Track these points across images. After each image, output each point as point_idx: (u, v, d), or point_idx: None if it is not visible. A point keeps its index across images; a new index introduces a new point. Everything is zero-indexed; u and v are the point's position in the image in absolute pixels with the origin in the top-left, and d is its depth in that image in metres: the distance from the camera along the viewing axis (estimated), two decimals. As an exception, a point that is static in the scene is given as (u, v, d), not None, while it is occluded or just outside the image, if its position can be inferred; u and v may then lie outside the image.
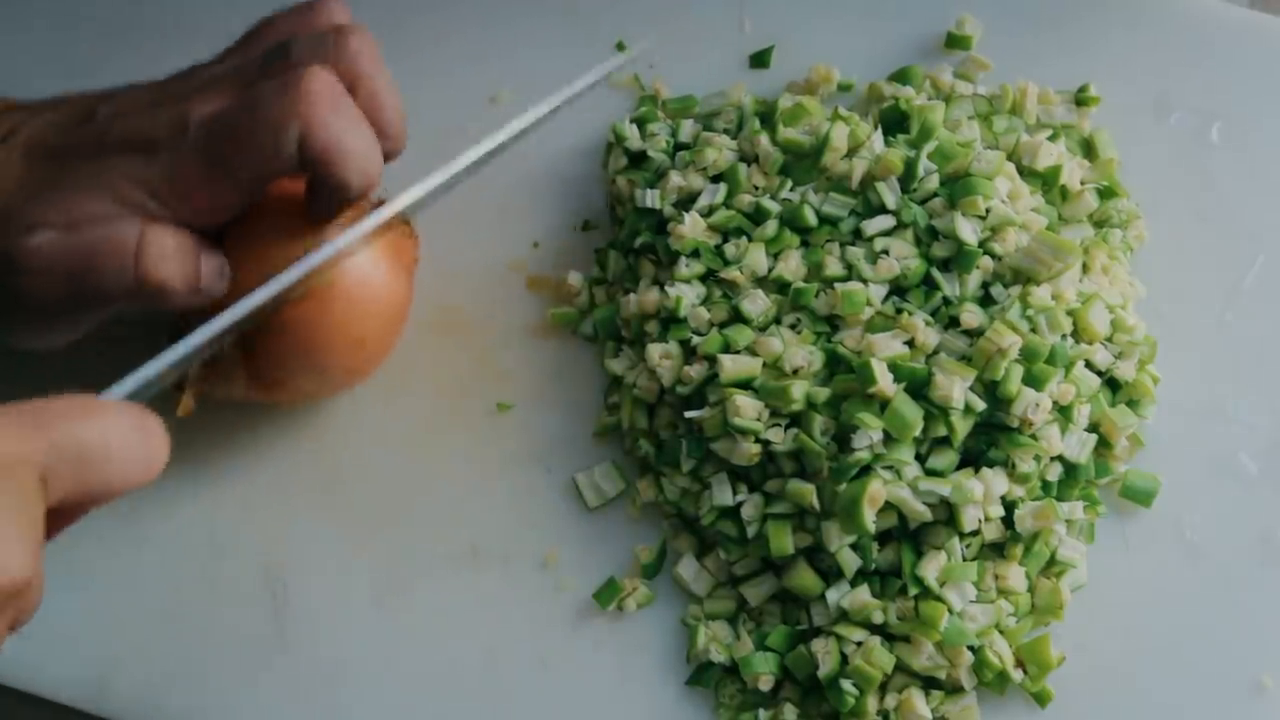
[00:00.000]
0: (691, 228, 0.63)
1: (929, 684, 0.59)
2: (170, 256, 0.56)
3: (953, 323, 0.60)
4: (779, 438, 0.59)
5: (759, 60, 0.72)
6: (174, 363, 0.54)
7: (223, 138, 0.56)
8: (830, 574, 0.60)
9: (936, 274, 0.61)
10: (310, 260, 0.57)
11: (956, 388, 0.58)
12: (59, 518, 0.50)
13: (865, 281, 0.61)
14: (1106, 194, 0.67)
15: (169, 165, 0.56)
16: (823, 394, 0.59)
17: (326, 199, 0.57)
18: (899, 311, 0.60)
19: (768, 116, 0.67)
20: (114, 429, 0.47)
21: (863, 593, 0.59)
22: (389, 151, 0.59)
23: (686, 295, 0.62)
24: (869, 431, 0.58)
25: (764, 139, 0.65)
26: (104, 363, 0.55)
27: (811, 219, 0.63)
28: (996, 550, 0.60)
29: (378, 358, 0.62)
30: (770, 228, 0.63)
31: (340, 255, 0.58)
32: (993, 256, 0.62)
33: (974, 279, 0.61)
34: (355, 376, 0.62)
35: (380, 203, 0.60)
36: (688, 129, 0.68)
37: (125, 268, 0.56)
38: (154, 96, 0.58)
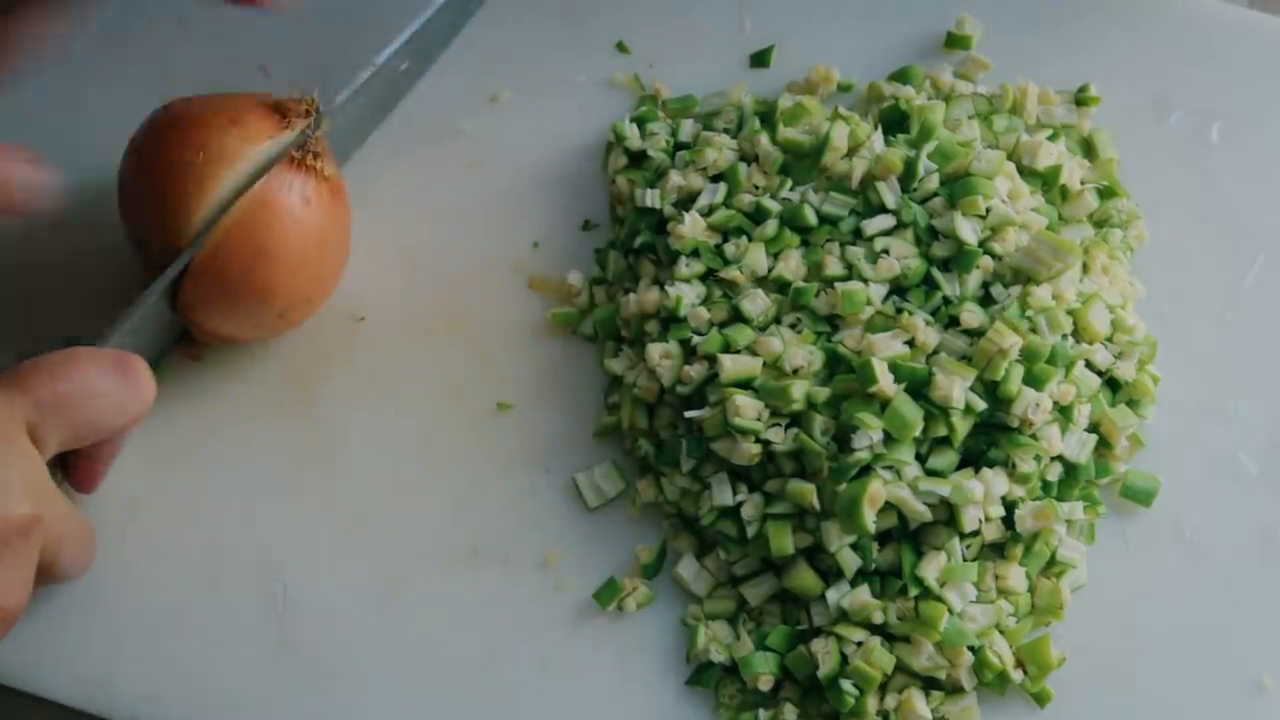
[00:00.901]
0: (691, 227, 0.63)
1: (929, 684, 0.59)
2: None
3: (953, 322, 0.60)
4: (779, 438, 0.59)
5: (759, 60, 0.72)
6: (148, 303, 0.59)
7: None
8: (830, 574, 0.60)
9: (936, 274, 0.61)
10: (243, 167, 0.59)
11: (956, 388, 0.58)
12: (84, 464, 0.57)
13: (865, 281, 0.61)
14: (1106, 194, 0.67)
15: None
16: (823, 394, 0.59)
17: None
18: (899, 311, 0.60)
19: (768, 116, 0.67)
20: (91, 375, 0.53)
21: (863, 593, 0.59)
22: None
23: (686, 295, 0.62)
24: (869, 431, 0.58)
25: (764, 139, 0.65)
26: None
27: (811, 219, 0.63)
28: (996, 550, 0.60)
29: (306, 291, 0.62)
30: (770, 227, 0.63)
31: (263, 175, 0.59)
32: (993, 256, 0.62)
33: (974, 279, 0.61)
34: (288, 313, 0.62)
35: (307, 113, 0.61)
36: (688, 129, 0.68)
37: None
38: None
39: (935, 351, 0.60)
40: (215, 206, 0.59)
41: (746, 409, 0.59)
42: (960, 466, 0.59)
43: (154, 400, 0.55)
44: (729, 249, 0.63)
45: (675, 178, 0.65)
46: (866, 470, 0.58)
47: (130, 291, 0.60)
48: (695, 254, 0.63)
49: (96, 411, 0.53)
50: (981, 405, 0.58)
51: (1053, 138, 0.67)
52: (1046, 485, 0.61)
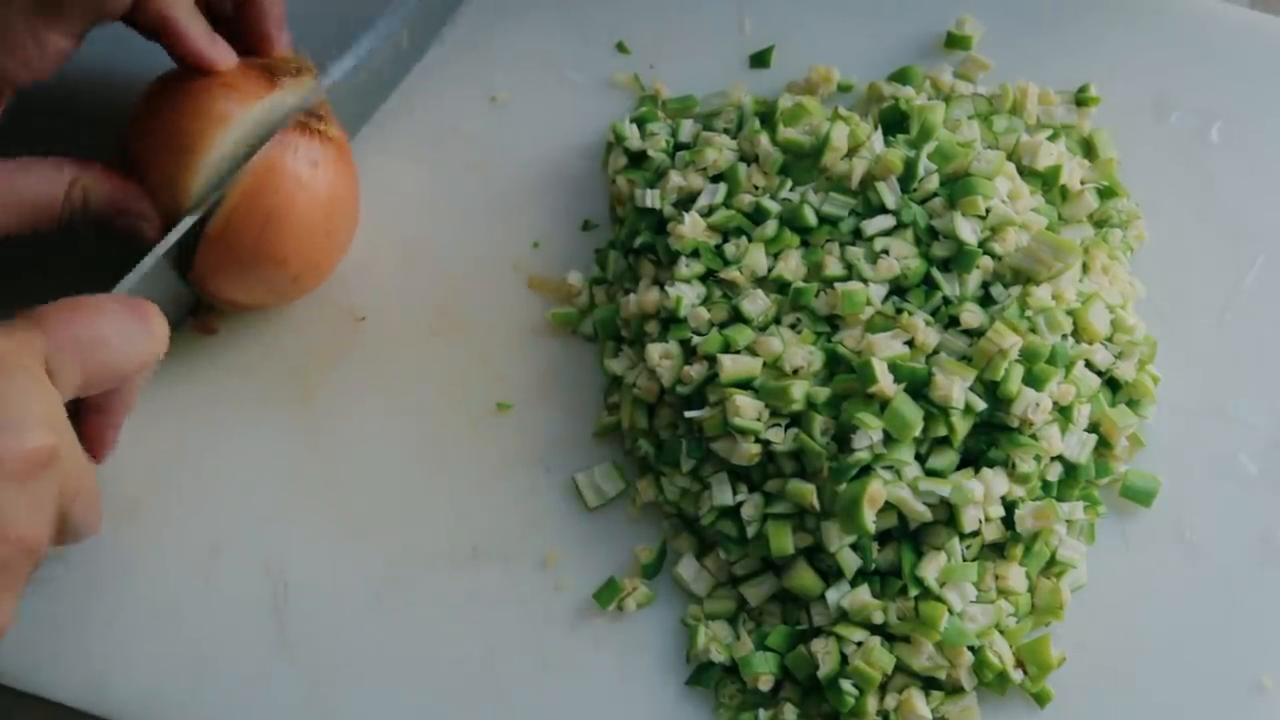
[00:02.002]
0: (691, 228, 0.63)
1: (929, 684, 0.59)
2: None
3: (953, 323, 0.60)
4: (779, 438, 0.59)
5: (759, 60, 0.72)
6: (162, 255, 0.60)
7: None
8: (830, 574, 0.60)
9: (936, 274, 0.61)
10: (241, 126, 0.60)
11: (956, 388, 0.58)
12: (95, 418, 0.57)
13: (865, 281, 0.61)
14: (1106, 194, 0.67)
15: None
16: (823, 394, 0.59)
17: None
18: (899, 311, 0.60)
19: (768, 116, 0.67)
20: (107, 318, 0.53)
21: (863, 593, 0.59)
22: None
23: (686, 295, 0.62)
24: (869, 431, 0.58)
25: (764, 139, 0.65)
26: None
27: (811, 219, 0.63)
28: (996, 550, 0.60)
29: (319, 255, 0.62)
30: (770, 228, 0.63)
31: (266, 143, 0.60)
32: (993, 256, 0.62)
33: (974, 279, 0.61)
34: (303, 277, 0.62)
35: (297, 72, 0.62)
36: (688, 129, 0.68)
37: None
38: None
39: (935, 351, 0.60)
40: (214, 168, 0.60)
41: (746, 409, 0.59)
42: (960, 466, 0.59)
43: (166, 346, 0.55)
44: (729, 249, 0.63)
45: (675, 178, 0.65)
46: (866, 470, 0.58)
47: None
48: (695, 254, 0.63)
49: (111, 352, 0.53)
50: (981, 405, 0.58)
51: (1053, 138, 0.67)
52: (1046, 485, 0.61)
